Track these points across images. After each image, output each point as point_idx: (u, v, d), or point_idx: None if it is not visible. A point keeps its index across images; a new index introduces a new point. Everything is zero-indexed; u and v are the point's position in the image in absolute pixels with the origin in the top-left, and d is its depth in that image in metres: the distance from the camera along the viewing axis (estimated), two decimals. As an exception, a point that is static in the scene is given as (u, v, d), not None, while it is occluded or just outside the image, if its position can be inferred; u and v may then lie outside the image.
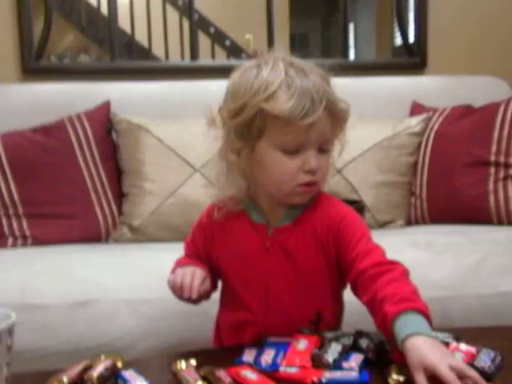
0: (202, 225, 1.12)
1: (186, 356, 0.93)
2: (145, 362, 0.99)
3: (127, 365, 0.91)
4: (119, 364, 0.91)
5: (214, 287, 1.11)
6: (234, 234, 1.07)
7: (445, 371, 0.79)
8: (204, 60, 2.66)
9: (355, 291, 0.99)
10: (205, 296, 1.06)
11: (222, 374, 0.86)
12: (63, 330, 1.34)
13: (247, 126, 0.98)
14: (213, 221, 1.09)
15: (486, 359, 0.87)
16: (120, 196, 1.99)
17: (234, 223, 1.07)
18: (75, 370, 0.87)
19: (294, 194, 1.01)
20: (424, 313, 0.88)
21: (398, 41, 3.07)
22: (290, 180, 1.00)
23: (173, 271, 1.08)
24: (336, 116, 1.00)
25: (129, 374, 0.87)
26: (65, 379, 0.85)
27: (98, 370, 0.87)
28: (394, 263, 0.97)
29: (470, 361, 0.88)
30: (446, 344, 0.92)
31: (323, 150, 1.00)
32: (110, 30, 2.43)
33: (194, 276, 1.03)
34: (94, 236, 1.92)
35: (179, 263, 1.11)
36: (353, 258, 0.99)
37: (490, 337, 1.05)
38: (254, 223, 1.06)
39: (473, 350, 0.91)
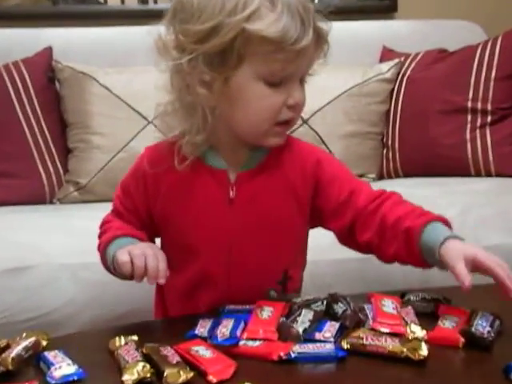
0: (140, 173, 0.92)
1: (127, 330, 0.78)
2: (76, 340, 0.83)
3: (54, 343, 0.75)
4: (43, 343, 0.75)
5: None
6: (187, 182, 0.90)
7: (485, 255, 0.77)
8: (155, 4, 2.44)
9: (351, 233, 0.89)
10: None
11: (168, 351, 0.71)
12: (-4, 300, 1.19)
13: (221, 53, 0.81)
14: (158, 169, 0.89)
15: (484, 324, 0.74)
16: (65, 152, 1.82)
17: (187, 171, 0.88)
18: (-14, 352, 0.71)
19: (271, 134, 0.87)
20: (444, 221, 0.85)
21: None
22: (271, 117, 0.85)
23: (107, 242, 0.90)
24: (320, 38, 0.84)
25: (54, 354, 0.71)
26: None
27: (14, 351, 0.71)
28: (385, 192, 0.90)
29: (466, 326, 0.75)
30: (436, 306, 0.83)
31: (302, 81, 0.86)
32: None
33: (158, 257, 0.83)
34: (37, 197, 1.76)
35: (115, 233, 0.91)
36: (345, 198, 0.89)
37: (476, 297, 0.92)
38: (213, 169, 0.90)
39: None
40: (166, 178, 0.90)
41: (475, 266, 0.77)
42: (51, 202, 1.76)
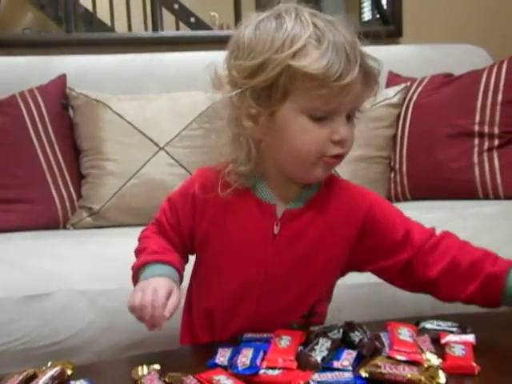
0: (189, 193, 0.94)
1: (149, 359, 0.79)
2: (100, 368, 0.85)
3: (78, 372, 0.77)
4: (68, 372, 0.77)
5: (184, 262, 0.98)
6: (234, 210, 0.91)
7: None
8: (166, 31, 2.49)
9: (409, 270, 0.91)
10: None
11: (191, 380, 0.72)
12: (13, 327, 1.21)
13: (268, 88, 0.83)
14: (208, 195, 0.91)
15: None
16: (79, 178, 1.85)
17: (235, 198, 0.90)
18: (14, 381, 0.73)
19: (318, 166, 0.87)
20: None
21: (366, 16, 2.98)
22: (316, 151, 0.85)
23: (139, 266, 0.92)
24: (369, 76, 0.86)
25: (79, 384, 0.73)
26: (1, 394, 0.71)
27: (41, 381, 0.73)
28: (435, 230, 0.94)
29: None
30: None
31: (350, 117, 0.87)
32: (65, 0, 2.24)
33: (158, 303, 0.83)
34: (50, 222, 1.77)
35: (146, 259, 0.92)
36: (402, 237, 0.91)
37: (491, 323, 0.94)
38: (261, 201, 0.91)
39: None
40: (213, 202, 0.92)
41: None
42: (65, 228, 1.78)
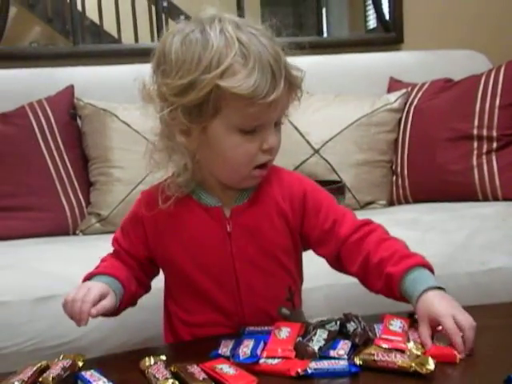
0: (137, 217, 0.98)
1: (155, 352, 0.84)
2: (109, 361, 0.90)
3: (89, 364, 0.81)
4: (79, 363, 0.81)
5: (145, 288, 1.03)
6: (184, 222, 0.95)
7: (448, 321, 0.81)
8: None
9: (339, 262, 0.95)
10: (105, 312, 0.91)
11: (195, 369, 0.77)
12: (24, 329, 1.24)
13: (199, 105, 0.85)
14: (154, 212, 0.94)
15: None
16: (87, 185, 1.89)
17: (182, 210, 0.94)
18: (29, 372, 0.77)
19: (250, 177, 0.92)
20: (425, 265, 0.89)
21: (371, 24, 3.01)
22: (248, 162, 0.90)
23: (86, 277, 0.96)
24: (293, 86, 0.89)
25: (90, 374, 0.77)
26: (16, 384, 0.75)
27: (54, 372, 0.77)
28: (369, 223, 0.96)
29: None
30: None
31: (277, 124, 0.91)
32: (72, 12, 2.30)
33: (85, 298, 0.88)
34: (60, 229, 1.81)
35: (93, 272, 0.97)
36: (329, 226, 0.94)
37: (480, 315, 0.98)
38: (207, 207, 0.95)
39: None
40: (162, 219, 0.95)
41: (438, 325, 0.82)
42: (74, 234, 1.81)
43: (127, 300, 0.96)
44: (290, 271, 0.99)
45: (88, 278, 0.95)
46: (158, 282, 1.30)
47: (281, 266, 0.97)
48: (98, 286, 0.90)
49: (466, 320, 0.81)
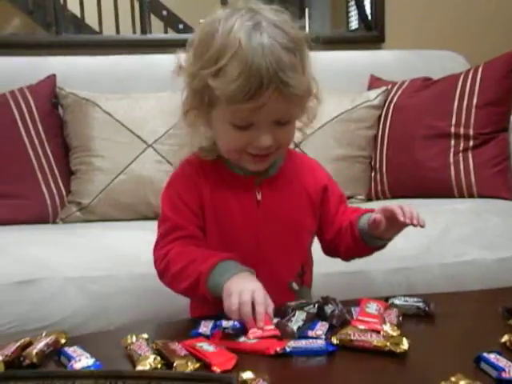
0: (190, 180, 1.01)
1: (138, 330, 0.85)
2: (92, 339, 0.91)
3: (72, 342, 0.83)
4: (62, 341, 0.82)
5: None
6: (224, 185, 1.01)
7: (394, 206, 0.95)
8: (154, 34, 2.55)
9: (333, 248, 1.07)
10: None
11: (176, 346, 0.78)
12: (7, 311, 1.24)
13: (200, 95, 0.93)
14: (198, 175, 1.01)
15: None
16: (68, 174, 1.89)
17: (222, 175, 1.01)
18: (11, 348, 0.78)
19: (247, 162, 0.98)
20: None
21: (353, 25, 3.05)
22: (236, 150, 0.96)
23: (209, 268, 0.92)
24: (290, 97, 0.91)
25: (73, 349, 0.78)
26: (-1, 358, 0.76)
27: (37, 347, 0.78)
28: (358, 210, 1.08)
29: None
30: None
31: (282, 122, 0.94)
32: (54, 3, 2.30)
33: (267, 300, 0.87)
34: (41, 217, 1.81)
35: (208, 266, 0.93)
36: (333, 215, 1.06)
37: (452, 302, 1.05)
38: (239, 176, 1.01)
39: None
40: (205, 183, 1.01)
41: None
42: (54, 222, 1.81)
43: None
44: (305, 250, 1.07)
45: (209, 269, 0.92)
46: (138, 267, 1.32)
47: (299, 243, 1.05)
48: (255, 282, 0.90)
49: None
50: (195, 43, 0.94)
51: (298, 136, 2.01)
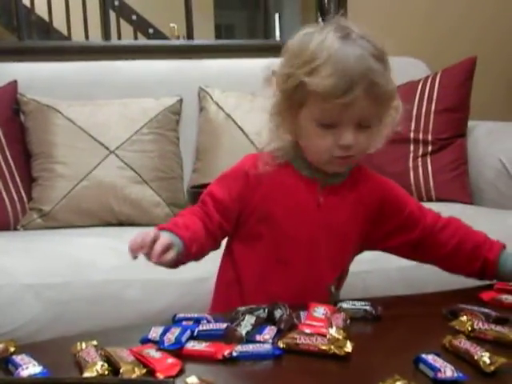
0: (242, 173, 1.07)
1: (87, 337, 0.86)
2: (41, 346, 0.91)
3: (21, 350, 0.83)
4: (11, 349, 0.82)
5: (216, 245, 1.09)
6: (283, 187, 1.06)
7: None
8: (122, 40, 2.55)
9: (424, 247, 1.10)
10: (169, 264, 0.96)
11: (124, 353, 0.79)
12: (-40, 320, 1.24)
13: (291, 95, 1.01)
14: (259, 172, 1.05)
15: None
16: (29, 180, 1.88)
17: (284, 176, 1.07)
18: (-41, 356, 0.78)
19: (330, 163, 1.04)
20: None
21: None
22: (324, 152, 1.02)
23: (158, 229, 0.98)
24: (377, 97, 0.98)
25: (20, 358, 0.79)
26: None
27: (-16, 356, 0.78)
28: (440, 214, 1.14)
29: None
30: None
31: (364, 126, 1.01)
32: (17, 6, 2.28)
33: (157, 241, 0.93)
34: (1, 224, 1.78)
35: (163, 226, 0.99)
36: (415, 215, 1.10)
37: (401, 304, 1.08)
38: (306, 178, 1.07)
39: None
40: (265, 179, 1.06)
41: None
42: (15, 229, 1.79)
43: (185, 258, 1.00)
44: (348, 257, 1.13)
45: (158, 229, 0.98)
46: (96, 274, 1.32)
47: (346, 251, 1.11)
48: (165, 238, 0.94)
49: None
50: (290, 48, 1.02)
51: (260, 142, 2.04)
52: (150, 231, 0.93)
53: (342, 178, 1.08)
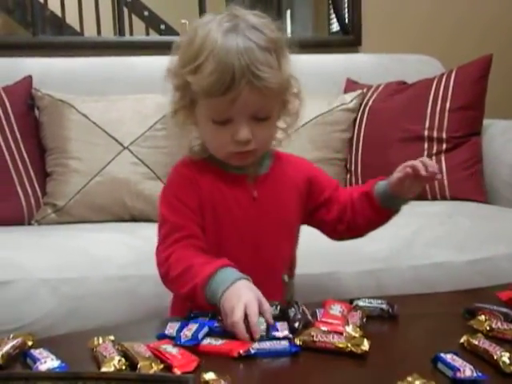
0: (187, 179, 1.04)
1: (104, 332, 0.86)
2: (58, 341, 0.92)
3: (39, 344, 0.83)
4: (29, 343, 0.83)
5: None
6: (218, 185, 1.04)
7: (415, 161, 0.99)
8: (134, 36, 2.56)
9: (347, 227, 1.10)
10: None
11: (141, 348, 0.79)
12: (-22, 314, 1.24)
13: (183, 95, 1.00)
14: (195, 175, 1.04)
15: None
16: (43, 175, 1.88)
17: (213, 176, 1.05)
18: (-22, 350, 0.79)
19: (232, 158, 1.02)
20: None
21: (335, 27, 3.07)
22: (223, 148, 1.00)
23: (207, 276, 0.92)
24: (264, 89, 0.94)
25: (39, 352, 0.79)
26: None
27: (4, 349, 0.79)
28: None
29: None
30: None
31: (260, 118, 0.98)
32: (32, 2, 2.29)
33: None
34: (15, 219, 1.80)
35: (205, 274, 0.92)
36: (328, 196, 1.10)
37: (417, 303, 1.07)
38: (234, 174, 1.05)
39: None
40: (201, 182, 1.04)
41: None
42: (29, 224, 1.80)
43: None
44: (294, 242, 1.12)
45: (207, 278, 0.92)
46: (111, 269, 1.33)
47: (291, 237, 1.10)
48: (249, 293, 0.89)
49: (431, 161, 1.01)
50: (180, 44, 1.00)
51: (280, 137, 2.05)
52: (236, 311, 0.85)
53: (266, 169, 1.07)
